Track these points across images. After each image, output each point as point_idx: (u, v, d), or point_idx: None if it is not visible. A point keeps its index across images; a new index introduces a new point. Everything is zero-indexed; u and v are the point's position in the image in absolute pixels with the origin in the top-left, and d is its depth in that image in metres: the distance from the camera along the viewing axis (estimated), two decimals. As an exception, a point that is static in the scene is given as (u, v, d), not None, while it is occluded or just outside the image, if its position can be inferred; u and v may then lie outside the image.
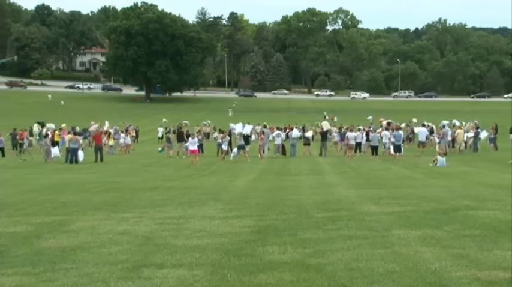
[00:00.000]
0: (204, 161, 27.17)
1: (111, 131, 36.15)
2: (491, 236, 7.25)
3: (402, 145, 28.57)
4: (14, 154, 31.06)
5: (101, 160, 27.06)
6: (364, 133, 31.13)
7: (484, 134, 32.63)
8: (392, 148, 27.43)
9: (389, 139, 28.18)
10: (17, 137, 33.14)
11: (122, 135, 36.45)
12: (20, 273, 5.87)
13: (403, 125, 37.22)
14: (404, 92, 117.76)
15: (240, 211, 10.04)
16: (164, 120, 49.63)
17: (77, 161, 26.12)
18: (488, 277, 5.30)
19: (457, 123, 35.62)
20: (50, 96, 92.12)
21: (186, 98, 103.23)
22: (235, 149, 27.93)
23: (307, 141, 30.77)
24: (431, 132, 32.63)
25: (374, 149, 27.17)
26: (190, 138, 26.88)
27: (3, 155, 31.14)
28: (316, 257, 6.22)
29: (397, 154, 26.33)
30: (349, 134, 28.58)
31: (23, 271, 5.94)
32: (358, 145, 29.95)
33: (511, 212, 9.06)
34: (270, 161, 26.22)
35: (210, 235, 7.76)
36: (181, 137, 30.59)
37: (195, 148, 25.71)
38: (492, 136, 32.84)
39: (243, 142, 27.09)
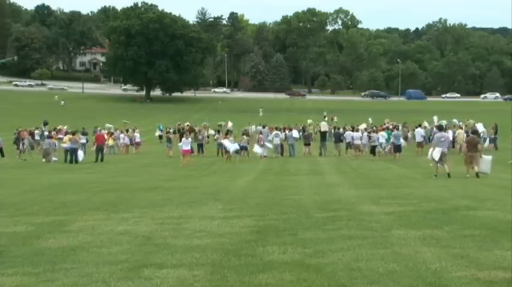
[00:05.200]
0: (204, 161, 27.19)
1: (112, 131, 36.35)
2: (491, 236, 7.24)
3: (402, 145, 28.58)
4: (16, 154, 31.07)
5: (101, 160, 27.09)
6: (366, 133, 31.19)
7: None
8: (389, 147, 27.53)
9: (386, 139, 28.31)
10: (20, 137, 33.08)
11: (122, 135, 36.60)
12: (20, 273, 5.87)
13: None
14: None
15: (240, 211, 10.04)
16: (159, 125, 49.10)
17: (76, 161, 26.13)
18: (488, 277, 5.30)
19: (457, 123, 35.63)
20: (56, 97, 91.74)
21: (186, 98, 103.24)
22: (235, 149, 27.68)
23: (307, 142, 30.76)
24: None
25: (373, 149, 27.04)
26: (183, 138, 26.80)
27: (3, 155, 31.12)
28: (316, 257, 6.22)
29: (397, 154, 26.33)
30: (354, 135, 28.55)
31: (23, 271, 5.94)
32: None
33: (511, 212, 9.06)
34: (269, 161, 26.21)
35: (210, 235, 7.76)
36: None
37: (188, 147, 25.69)
38: (492, 136, 32.79)
39: (246, 144, 27.09)
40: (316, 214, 9.50)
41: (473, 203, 10.62)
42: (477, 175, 16.15)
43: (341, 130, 33.57)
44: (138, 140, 36.22)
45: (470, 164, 16.52)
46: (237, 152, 26.62)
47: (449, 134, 29.01)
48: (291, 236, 7.50)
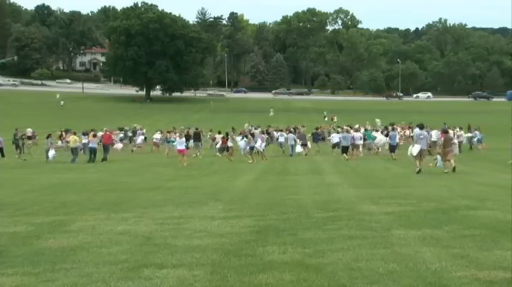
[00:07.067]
0: (204, 161, 27.23)
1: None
2: (491, 236, 7.23)
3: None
4: (16, 154, 31.06)
5: (104, 159, 27.18)
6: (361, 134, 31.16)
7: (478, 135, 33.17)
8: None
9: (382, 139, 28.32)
10: (18, 137, 33.04)
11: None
12: (20, 273, 5.87)
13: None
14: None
15: (240, 211, 10.04)
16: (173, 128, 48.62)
17: (93, 161, 26.59)
18: (488, 277, 5.29)
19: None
20: (58, 95, 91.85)
21: (186, 98, 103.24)
22: (247, 147, 27.48)
23: (304, 142, 30.89)
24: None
25: (344, 149, 26.73)
26: (178, 138, 26.92)
27: (3, 155, 31.11)
28: (316, 257, 6.22)
29: (393, 153, 26.34)
30: (355, 135, 28.61)
31: (23, 271, 5.94)
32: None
33: (511, 212, 9.05)
34: (270, 161, 26.21)
35: (210, 235, 7.76)
36: (198, 137, 31.77)
37: (183, 147, 25.81)
38: (479, 137, 33.28)
39: (253, 144, 27.14)
40: (316, 214, 9.49)
41: (473, 203, 10.62)
42: (454, 169, 18.43)
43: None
44: (139, 141, 36.18)
45: (446, 158, 18.65)
46: (252, 148, 26.71)
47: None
48: (291, 236, 7.49)
